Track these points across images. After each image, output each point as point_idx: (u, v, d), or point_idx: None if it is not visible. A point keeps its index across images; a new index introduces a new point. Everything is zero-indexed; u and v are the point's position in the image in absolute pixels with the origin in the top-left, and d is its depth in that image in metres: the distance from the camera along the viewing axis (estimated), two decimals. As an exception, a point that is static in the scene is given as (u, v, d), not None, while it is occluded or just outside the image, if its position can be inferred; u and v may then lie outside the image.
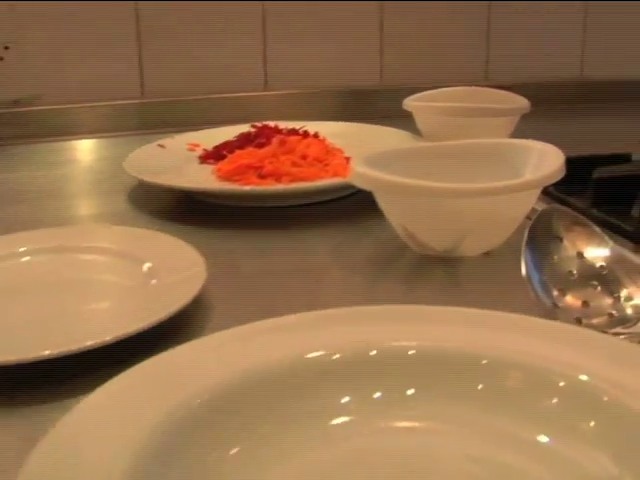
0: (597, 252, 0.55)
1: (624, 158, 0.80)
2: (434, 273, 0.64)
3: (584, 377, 0.37)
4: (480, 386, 0.38)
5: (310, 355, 0.38)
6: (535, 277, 0.52)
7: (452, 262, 0.64)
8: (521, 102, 0.92)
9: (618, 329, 0.51)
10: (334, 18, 1.26)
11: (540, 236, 0.55)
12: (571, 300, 0.53)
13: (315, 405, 0.37)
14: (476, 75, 1.33)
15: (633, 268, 0.54)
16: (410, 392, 0.38)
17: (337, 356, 0.38)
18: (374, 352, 0.38)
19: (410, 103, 0.92)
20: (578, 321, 0.51)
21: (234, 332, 0.42)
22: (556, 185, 0.72)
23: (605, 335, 0.43)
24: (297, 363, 0.37)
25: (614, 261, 0.54)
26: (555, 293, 0.52)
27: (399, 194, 0.62)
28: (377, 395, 0.38)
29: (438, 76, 1.28)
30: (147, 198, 0.85)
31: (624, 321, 0.51)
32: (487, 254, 0.65)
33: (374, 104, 1.19)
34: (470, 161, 0.69)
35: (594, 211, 0.69)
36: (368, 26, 1.27)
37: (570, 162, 0.74)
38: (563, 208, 0.57)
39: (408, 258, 0.66)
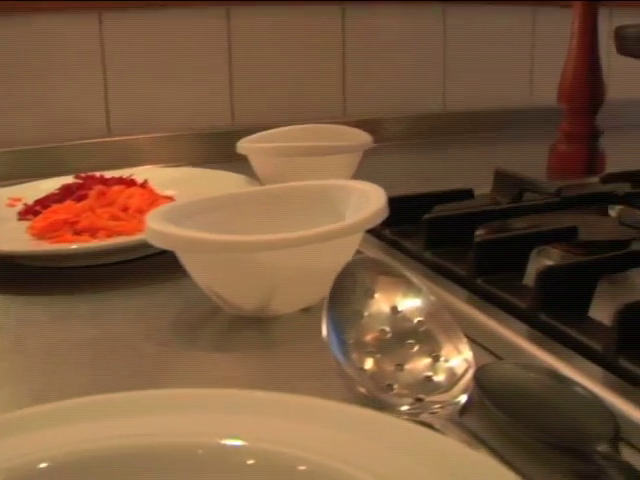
0: (414, 306, 0.48)
1: (466, 194, 0.73)
2: (246, 336, 0.56)
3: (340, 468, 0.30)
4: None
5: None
6: (335, 339, 0.45)
7: (266, 322, 0.57)
8: (363, 138, 0.86)
9: (434, 397, 0.43)
10: (181, 59, 1.18)
11: (347, 291, 0.48)
12: (381, 363, 0.45)
13: None
14: (334, 112, 1.27)
15: (450, 324, 0.47)
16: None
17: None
18: (45, 465, 0.30)
19: (243, 145, 0.84)
20: (389, 387, 0.44)
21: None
22: (391, 226, 0.66)
23: (377, 414, 0.35)
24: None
25: (432, 316, 0.47)
26: (354, 356, 0.44)
27: (194, 251, 0.54)
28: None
29: (294, 115, 1.22)
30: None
31: (440, 386, 0.44)
32: (306, 310, 0.57)
33: (226, 146, 1.11)
34: (290, 205, 0.62)
35: (427, 254, 0.62)
36: (217, 66, 1.20)
37: (410, 200, 0.68)
38: (373, 258, 0.50)
39: (219, 320, 0.58)
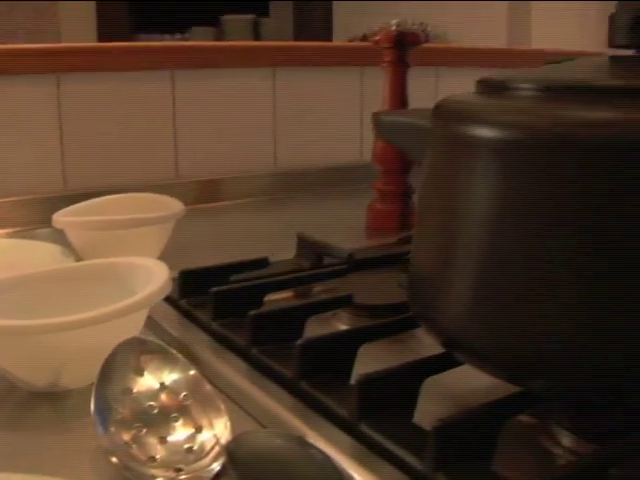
0: (179, 381, 0.52)
1: (262, 263, 0.78)
2: (41, 412, 0.58)
3: None
4: None
5: None
6: (100, 416, 0.49)
7: (60, 397, 0.60)
8: (175, 207, 0.89)
9: (190, 467, 0.47)
10: (11, 123, 1.20)
11: (117, 370, 0.51)
12: (146, 436, 0.49)
13: None
14: (167, 174, 1.31)
15: (211, 397, 0.51)
16: None
17: None
18: None
19: (56, 219, 0.87)
20: (152, 459, 0.48)
21: None
22: (189, 297, 0.70)
23: None
24: None
25: (195, 390, 0.52)
26: (113, 429, 0.48)
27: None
28: None
29: (127, 179, 1.25)
30: None
31: (197, 457, 0.48)
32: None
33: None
34: (85, 282, 0.66)
35: (214, 325, 0.66)
36: (48, 131, 1.22)
37: (207, 271, 0.73)
38: (140, 338, 0.54)
39: (15, 397, 0.61)
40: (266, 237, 1.09)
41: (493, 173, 0.46)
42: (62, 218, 0.86)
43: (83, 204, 0.90)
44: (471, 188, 0.48)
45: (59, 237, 0.91)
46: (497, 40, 4.05)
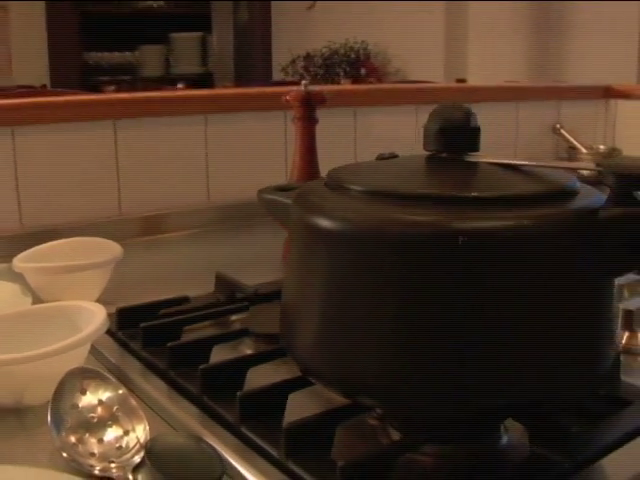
0: (112, 398, 0.72)
1: (184, 300, 0.97)
2: (9, 423, 0.77)
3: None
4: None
5: None
6: (55, 424, 0.68)
7: (24, 412, 0.78)
8: (116, 251, 1.08)
9: (119, 460, 0.67)
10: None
11: (67, 391, 0.71)
12: (89, 438, 0.69)
13: None
14: (112, 211, 1.49)
15: (135, 409, 0.71)
16: None
17: None
18: None
19: (17, 264, 1.04)
20: (93, 455, 0.68)
21: None
22: (125, 329, 0.89)
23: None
24: None
25: (123, 403, 0.71)
26: (64, 434, 0.67)
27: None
28: None
29: (76, 216, 1.43)
30: None
31: (124, 453, 0.68)
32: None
33: (14, 251, 1.26)
34: (41, 323, 0.84)
35: (144, 353, 0.85)
36: (4, 176, 1.39)
37: (139, 308, 0.92)
38: (84, 367, 0.73)
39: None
40: (197, 270, 1.25)
41: (325, 254, 0.64)
42: (20, 264, 1.04)
43: (38, 248, 1.08)
44: (314, 261, 0.66)
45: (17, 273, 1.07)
46: (436, 56, 4.29)
